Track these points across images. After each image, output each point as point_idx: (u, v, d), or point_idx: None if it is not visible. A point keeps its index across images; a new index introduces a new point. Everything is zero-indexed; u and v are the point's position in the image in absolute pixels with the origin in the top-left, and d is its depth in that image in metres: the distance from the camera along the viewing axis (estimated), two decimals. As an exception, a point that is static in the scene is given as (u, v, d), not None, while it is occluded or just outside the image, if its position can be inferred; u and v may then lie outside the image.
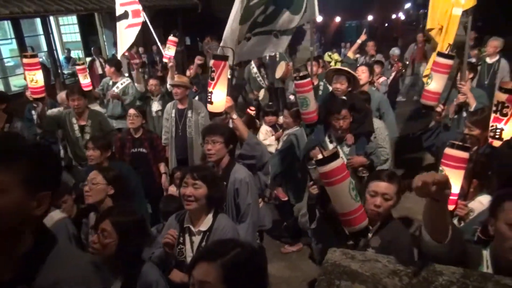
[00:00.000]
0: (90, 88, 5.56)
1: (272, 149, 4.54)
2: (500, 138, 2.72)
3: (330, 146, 3.55)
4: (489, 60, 6.25)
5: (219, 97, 3.08)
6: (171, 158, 4.88)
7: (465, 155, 2.28)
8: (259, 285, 1.34)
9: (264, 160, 3.30)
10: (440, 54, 3.27)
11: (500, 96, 2.65)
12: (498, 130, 2.69)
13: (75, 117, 4.60)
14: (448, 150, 2.32)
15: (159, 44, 6.11)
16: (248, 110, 5.47)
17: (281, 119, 4.73)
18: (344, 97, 3.80)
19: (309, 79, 3.46)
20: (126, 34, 5.60)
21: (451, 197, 2.33)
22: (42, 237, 1.22)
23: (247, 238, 2.92)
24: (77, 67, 5.58)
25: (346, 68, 4.12)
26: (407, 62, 10.16)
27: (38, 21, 11.23)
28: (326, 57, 8.16)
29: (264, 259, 3.49)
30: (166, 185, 4.46)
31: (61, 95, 5.31)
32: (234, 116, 3.19)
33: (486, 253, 1.66)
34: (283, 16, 3.94)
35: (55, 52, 11.30)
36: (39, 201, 1.16)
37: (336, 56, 8.63)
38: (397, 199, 2.27)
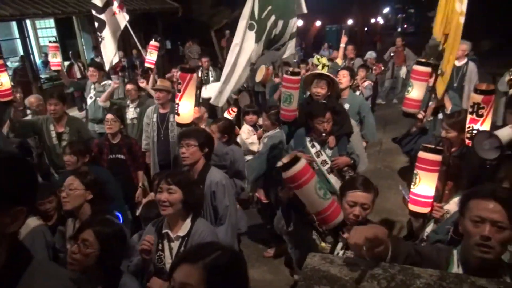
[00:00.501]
0: (59, 68, 5.48)
1: (254, 147, 4.56)
2: None
3: (312, 150, 3.58)
4: (457, 63, 6.40)
5: (186, 108, 3.13)
6: (153, 164, 4.81)
7: (438, 158, 2.32)
8: (240, 287, 1.33)
9: (237, 166, 3.33)
10: (418, 63, 3.34)
11: (476, 98, 2.71)
12: (474, 131, 2.74)
13: (52, 124, 4.44)
14: (421, 154, 2.36)
15: (140, 47, 6.05)
16: (229, 111, 5.45)
17: (261, 120, 4.74)
18: (324, 101, 3.84)
19: (299, 77, 3.47)
20: (113, 21, 5.56)
21: (426, 200, 2.38)
22: (17, 254, 1.17)
23: (227, 240, 2.93)
24: (50, 44, 5.46)
25: (326, 73, 4.16)
26: (388, 67, 10.33)
27: (14, 24, 10.99)
28: (315, 60, 8.19)
29: (244, 262, 3.47)
30: (140, 198, 4.38)
31: (29, 99, 5.14)
32: (203, 126, 3.24)
33: (455, 253, 1.70)
34: (288, 26, 3.92)
35: (31, 56, 11.07)
36: (13, 217, 1.10)
37: (324, 60, 8.69)
38: (372, 206, 2.32)
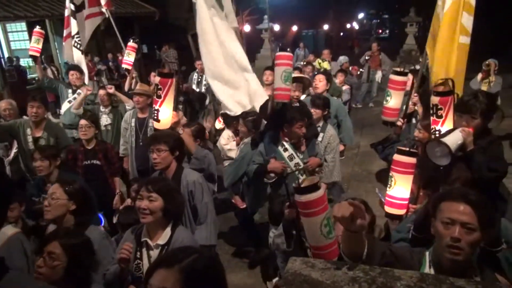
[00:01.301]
0: (37, 54, 5.39)
1: (232, 154, 4.51)
2: None
3: (285, 154, 3.62)
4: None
5: (166, 114, 3.11)
6: (131, 170, 4.72)
7: (412, 160, 2.38)
8: None
9: (210, 170, 3.33)
10: (395, 72, 3.45)
11: (434, 99, 2.80)
12: (437, 132, 2.83)
13: (30, 128, 4.32)
14: (396, 156, 2.43)
15: (124, 48, 5.90)
16: (219, 119, 5.35)
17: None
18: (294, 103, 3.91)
19: (291, 54, 3.56)
20: (86, 26, 5.48)
21: (401, 202, 2.42)
22: None
23: (211, 238, 2.96)
24: (35, 29, 5.38)
25: (300, 75, 4.21)
26: (363, 70, 10.53)
27: (-17, 27, 10.65)
28: (316, 64, 8.18)
29: (221, 266, 3.46)
30: (118, 205, 4.28)
31: (0, 104, 4.97)
32: (180, 131, 3.27)
33: (427, 254, 1.73)
34: None
35: (1, 60, 10.76)
36: None
37: (326, 64, 8.78)
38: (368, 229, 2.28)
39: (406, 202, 2.46)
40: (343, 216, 1.38)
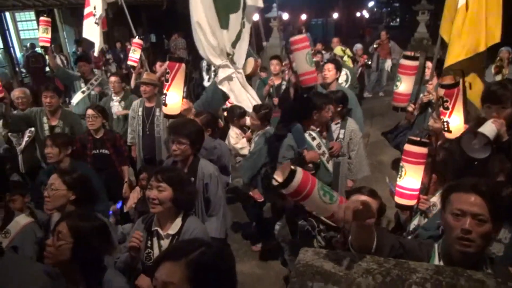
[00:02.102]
0: (48, 44, 5.29)
1: (245, 151, 4.42)
2: (448, 130, 2.84)
3: (314, 143, 3.56)
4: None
5: (174, 99, 3.03)
6: (139, 158, 4.73)
7: (423, 150, 2.32)
8: (226, 285, 1.29)
9: (223, 161, 3.28)
10: (405, 57, 3.39)
11: (440, 92, 2.80)
12: (445, 123, 2.82)
13: (46, 116, 4.36)
14: (407, 146, 2.36)
15: (135, 34, 5.82)
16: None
17: (247, 120, 4.56)
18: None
19: (305, 35, 3.38)
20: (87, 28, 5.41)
21: (412, 192, 2.37)
22: None
23: (221, 231, 2.93)
24: (41, 18, 5.25)
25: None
26: (370, 61, 10.36)
27: (-8, 17, 10.66)
28: (340, 51, 8.02)
29: (231, 258, 3.44)
30: (127, 193, 4.28)
31: (14, 93, 4.97)
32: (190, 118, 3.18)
33: (437, 246, 1.69)
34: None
35: (12, 49, 10.80)
36: None
37: (349, 51, 8.67)
38: (376, 217, 2.27)
39: (417, 193, 2.41)
40: (350, 215, 1.33)
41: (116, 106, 5.32)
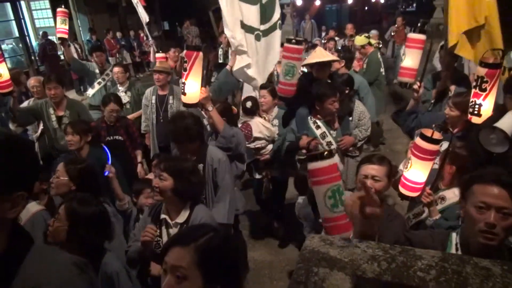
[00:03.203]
0: (66, 36, 5.26)
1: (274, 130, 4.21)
2: (478, 114, 2.69)
3: (318, 132, 3.49)
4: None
5: (193, 88, 3.02)
6: (153, 146, 4.78)
7: (434, 147, 2.26)
8: (234, 270, 1.31)
9: (240, 150, 3.26)
10: (413, 30, 3.29)
11: (480, 71, 2.62)
12: (476, 106, 2.67)
13: (52, 107, 4.35)
14: (418, 141, 2.30)
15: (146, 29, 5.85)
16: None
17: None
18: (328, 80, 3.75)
19: (302, 46, 3.40)
20: None
21: (415, 185, 2.33)
22: (17, 239, 1.13)
23: (229, 217, 2.93)
24: (58, 9, 5.23)
25: (319, 60, 3.88)
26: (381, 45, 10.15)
27: (8, 5, 10.79)
28: (363, 41, 7.89)
29: (241, 244, 3.47)
30: (142, 174, 4.33)
31: (30, 81, 5.02)
32: (210, 108, 3.15)
33: (454, 236, 1.67)
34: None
35: (27, 38, 10.93)
36: (13, 202, 1.06)
37: (373, 41, 8.50)
38: (388, 181, 2.29)
39: (421, 186, 2.36)
40: (353, 205, 1.32)
41: (122, 96, 5.31)
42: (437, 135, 2.28)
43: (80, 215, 1.96)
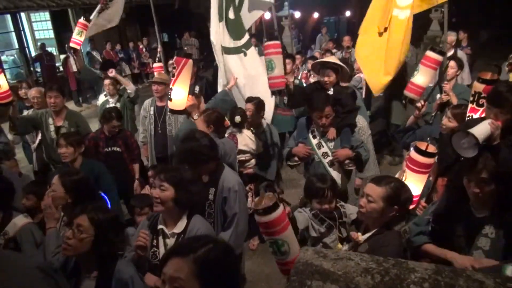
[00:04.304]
0: (78, 47, 5.50)
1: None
2: None
3: (314, 142, 3.49)
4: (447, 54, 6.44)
5: (180, 95, 3.04)
6: (151, 157, 4.79)
7: (428, 161, 2.27)
8: (233, 282, 1.31)
9: (228, 160, 3.24)
10: (432, 49, 3.30)
11: (478, 87, 2.65)
12: None
13: (51, 117, 4.38)
14: (413, 154, 2.32)
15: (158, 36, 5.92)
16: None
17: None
18: (330, 91, 3.73)
19: (278, 42, 3.52)
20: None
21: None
22: None
23: (235, 246, 2.79)
24: (79, 21, 5.38)
25: (332, 60, 3.93)
26: None
27: (8, 17, 10.88)
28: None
29: (236, 257, 3.42)
30: (138, 190, 4.34)
31: (31, 92, 5.07)
32: (195, 116, 3.16)
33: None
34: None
35: (27, 49, 11.00)
36: None
37: None
38: (384, 206, 2.12)
39: (416, 198, 2.38)
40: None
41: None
42: (431, 149, 2.29)
43: (105, 223, 2.01)
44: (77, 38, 5.32)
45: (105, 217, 2.05)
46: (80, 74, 5.97)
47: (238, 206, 2.80)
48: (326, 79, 3.80)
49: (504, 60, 6.42)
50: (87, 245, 1.97)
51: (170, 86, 3.06)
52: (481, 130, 2.25)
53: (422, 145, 2.30)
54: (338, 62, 3.88)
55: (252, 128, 4.17)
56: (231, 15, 4.40)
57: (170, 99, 3.07)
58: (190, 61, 3.00)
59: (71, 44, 5.42)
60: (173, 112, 3.19)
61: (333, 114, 3.37)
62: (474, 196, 2.03)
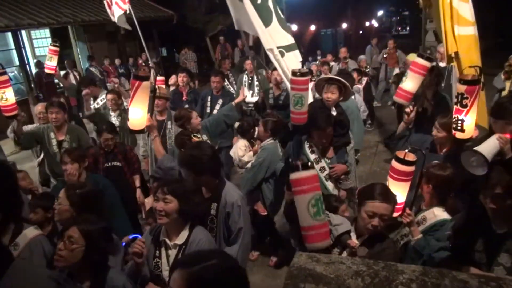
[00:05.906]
0: (53, 72, 5.61)
1: (250, 165, 4.32)
2: (462, 130, 2.75)
3: (312, 157, 3.53)
4: (442, 64, 6.52)
5: (137, 115, 3.07)
6: (151, 170, 4.82)
7: (407, 169, 2.30)
8: None
9: (223, 171, 3.26)
10: (419, 55, 3.34)
11: (460, 88, 2.69)
12: (459, 122, 2.73)
13: (53, 132, 4.46)
14: (393, 162, 2.35)
15: (146, 50, 6.04)
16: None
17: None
18: (333, 111, 3.74)
19: (308, 77, 3.28)
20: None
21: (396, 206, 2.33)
22: None
23: (240, 260, 2.76)
24: (50, 47, 5.49)
25: (337, 77, 3.90)
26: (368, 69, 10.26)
27: (9, 35, 11.02)
28: (412, 57, 8.02)
29: (242, 275, 3.42)
30: (141, 198, 4.39)
31: (37, 107, 5.18)
32: (153, 135, 3.27)
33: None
34: None
35: (27, 66, 11.12)
36: None
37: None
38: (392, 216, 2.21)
39: (400, 206, 2.40)
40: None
41: (113, 121, 5.40)
42: (410, 157, 2.32)
43: (95, 234, 2.06)
44: (49, 64, 5.49)
45: (94, 228, 2.10)
46: (67, 93, 6.19)
47: (242, 220, 2.78)
48: (329, 95, 3.78)
49: (499, 69, 6.50)
50: (79, 255, 2.01)
51: (128, 107, 3.12)
52: (488, 147, 2.27)
53: (401, 154, 2.32)
54: (345, 82, 3.83)
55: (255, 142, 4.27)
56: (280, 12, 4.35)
57: (128, 119, 3.13)
58: (145, 83, 3.01)
59: (47, 71, 5.63)
60: (132, 132, 3.24)
61: (333, 134, 3.46)
62: (492, 212, 2.01)
